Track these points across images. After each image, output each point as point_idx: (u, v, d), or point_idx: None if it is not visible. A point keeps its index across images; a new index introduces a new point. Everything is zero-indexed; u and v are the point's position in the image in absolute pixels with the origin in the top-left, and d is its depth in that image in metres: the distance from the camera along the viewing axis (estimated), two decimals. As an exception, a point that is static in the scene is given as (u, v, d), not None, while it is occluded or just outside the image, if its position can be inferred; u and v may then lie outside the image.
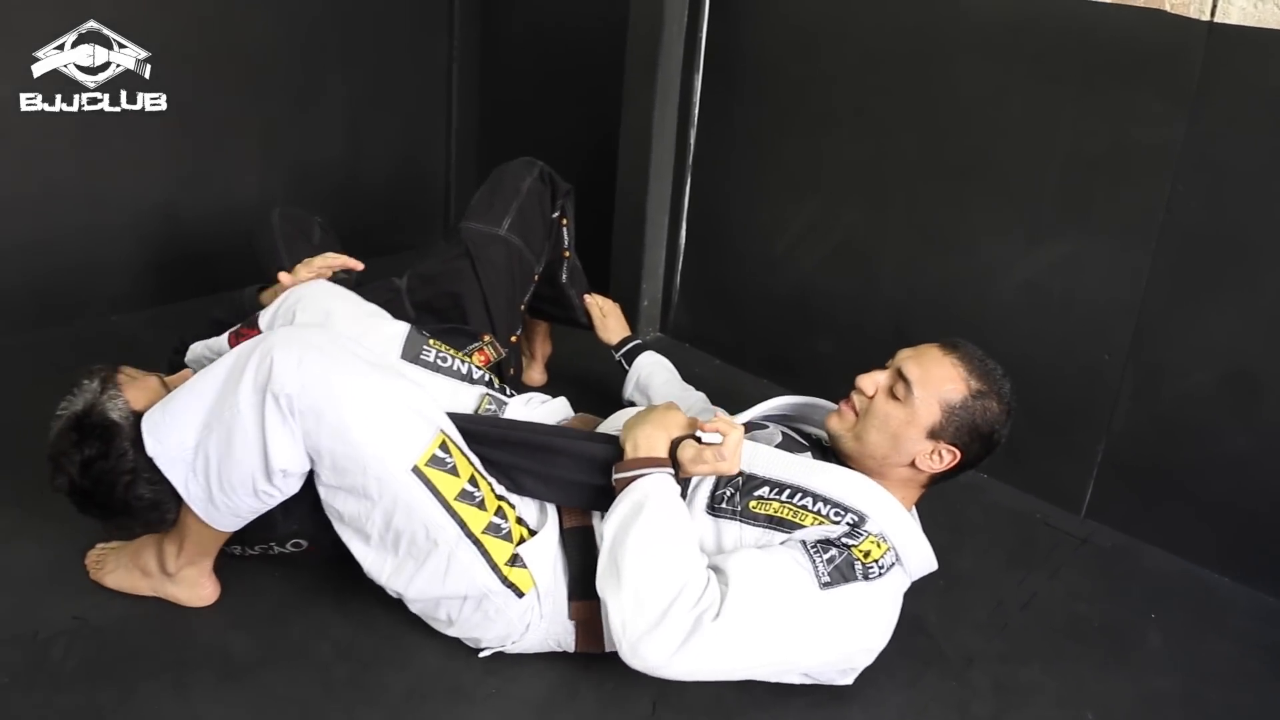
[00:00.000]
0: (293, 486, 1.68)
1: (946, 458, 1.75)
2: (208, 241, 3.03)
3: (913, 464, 1.76)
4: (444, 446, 1.68)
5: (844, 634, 1.64)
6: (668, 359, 2.46)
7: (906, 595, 1.78)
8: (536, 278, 2.42)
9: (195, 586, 1.83)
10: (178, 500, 1.71)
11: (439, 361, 2.06)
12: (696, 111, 2.90)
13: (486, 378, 2.12)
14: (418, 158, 3.63)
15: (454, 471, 1.67)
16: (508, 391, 2.17)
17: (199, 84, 2.93)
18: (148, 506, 1.72)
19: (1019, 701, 1.83)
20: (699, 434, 1.71)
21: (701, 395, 2.32)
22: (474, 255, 2.27)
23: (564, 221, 2.45)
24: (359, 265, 2.18)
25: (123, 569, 1.86)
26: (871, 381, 1.79)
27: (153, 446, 1.65)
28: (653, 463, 1.69)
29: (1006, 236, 2.40)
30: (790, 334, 2.85)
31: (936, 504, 2.09)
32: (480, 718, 1.68)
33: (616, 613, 1.57)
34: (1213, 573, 2.24)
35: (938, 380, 1.74)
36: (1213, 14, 2.06)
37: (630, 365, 2.44)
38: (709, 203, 2.97)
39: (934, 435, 1.74)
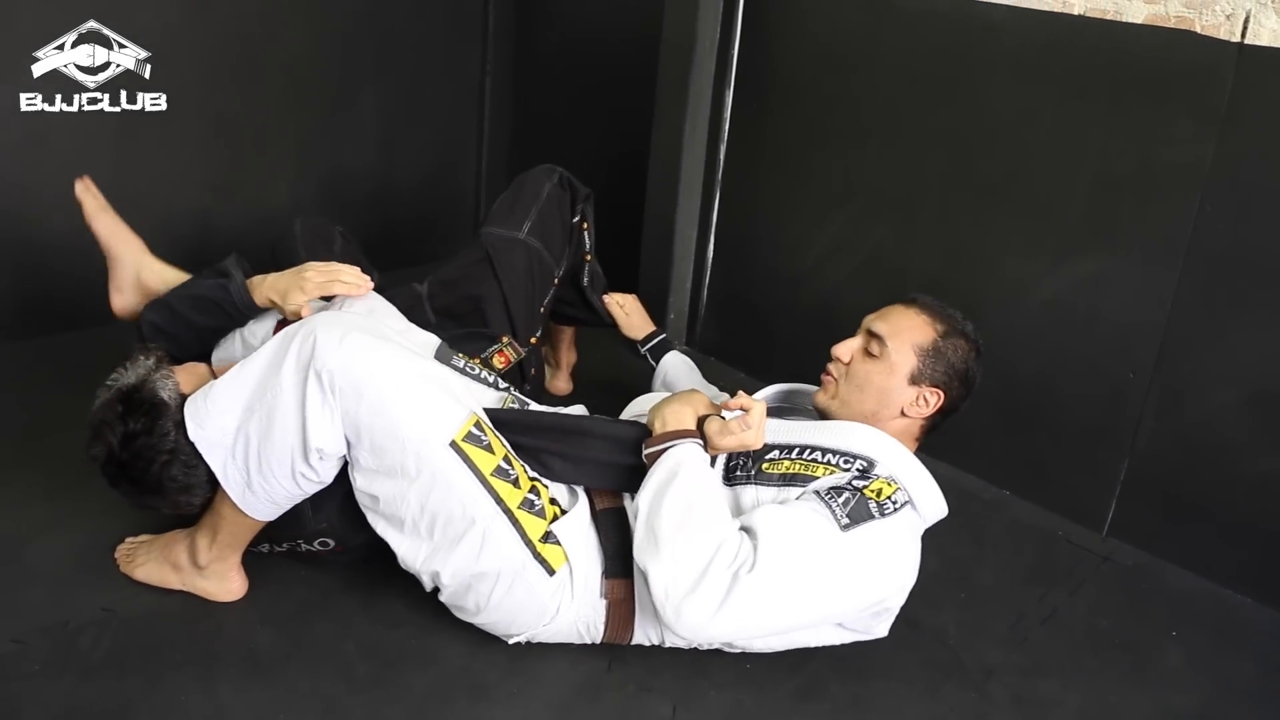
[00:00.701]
0: (329, 471, 1.71)
1: (932, 400, 1.86)
2: (239, 248, 3.04)
3: (902, 413, 1.85)
4: (479, 425, 1.72)
5: (872, 572, 1.67)
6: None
7: (928, 607, 1.80)
8: (556, 281, 2.44)
9: (224, 580, 1.86)
10: (210, 486, 1.74)
11: (468, 369, 2.09)
12: (727, 127, 2.92)
13: (507, 386, 2.14)
14: (449, 168, 3.67)
15: (489, 449, 1.71)
16: (528, 390, 2.20)
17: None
18: (179, 489, 1.74)
19: (1038, 714, 1.83)
20: (724, 412, 1.79)
21: (727, 396, 2.34)
22: (494, 259, 2.30)
23: (585, 226, 2.47)
24: (366, 287, 1.99)
25: (153, 562, 1.88)
26: (846, 348, 1.92)
27: (194, 431, 1.69)
28: (681, 434, 1.74)
29: (1033, 254, 2.41)
30: (817, 348, 2.82)
31: (959, 519, 2.10)
32: (502, 717, 1.69)
33: (658, 579, 1.60)
34: (1234, 593, 2.23)
35: (906, 329, 1.87)
36: (1243, 35, 2.07)
37: (656, 361, 2.49)
38: (737, 217, 2.99)
39: (915, 380, 1.85)
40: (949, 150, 2.51)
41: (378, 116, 3.37)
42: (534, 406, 2.08)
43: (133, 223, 2.88)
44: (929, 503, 1.76)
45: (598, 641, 1.80)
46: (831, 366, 1.93)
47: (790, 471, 1.74)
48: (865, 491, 1.67)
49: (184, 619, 1.81)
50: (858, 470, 1.72)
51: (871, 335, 1.88)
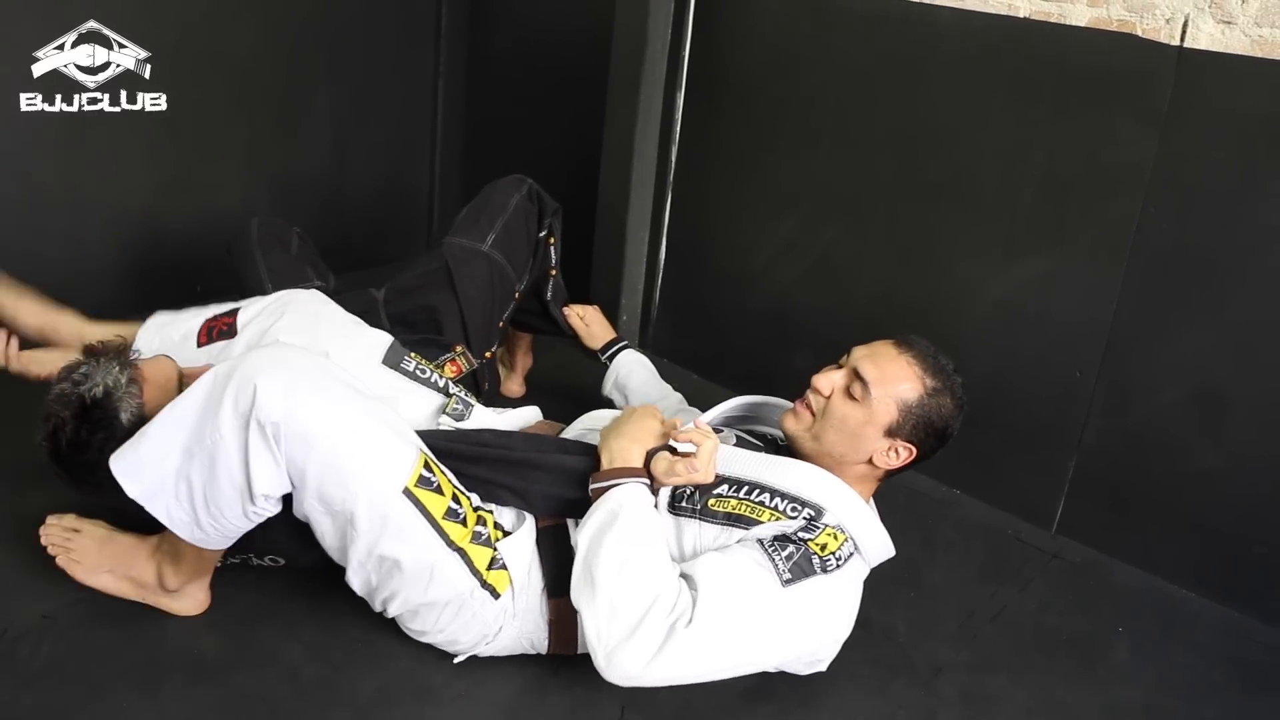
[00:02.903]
0: (277, 506, 1.66)
1: (903, 454, 1.79)
2: (189, 250, 3.04)
3: (870, 461, 1.79)
4: (428, 466, 1.68)
5: (809, 628, 1.67)
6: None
7: (878, 606, 1.81)
8: (518, 294, 2.43)
9: (193, 599, 1.83)
10: None
11: (418, 372, 2.08)
12: (678, 129, 2.92)
13: (445, 386, 2.13)
14: (402, 172, 3.64)
15: (439, 490, 1.67)
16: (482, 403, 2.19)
17: (187, 92, 2.94)
18: (118, 496, 1.70)
19: (986, 710, 1.84)
20: (673, 443, 1.73)
21: (679, 396, 2.36)
22: (453, 270, 2.28)
23: (551, 240, 2.45)
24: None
25: (105, 573, 1.82)
26: (828, 382, 1.81)
27: (131, 487, 1.61)
28: (627, 473, 1.70)
29: (982, 255, 2.43)
30: (768, 349, 2.87)
31: (909, 518, 2.13)
32: (448, 719, 1.69)
33: (591, 623, 1.58)
34: (1180, 588, 2.26)
35: (894, 379, 1.77)
36: (1182, 39, 2.10)
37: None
38: (689, 219, 2.99)
39: (891, 434, 1.77)
40: (898, 152, 2.53)
41: (330, 120, 3.35)
42: (479, 409, 2.06)
43: (111, 228, 2.89)
44: (875, 549, 1.75)
45: (543, 653, 1.79)
46: (810, 396, 1.84)
47: (736, 512, 1.70)
48: (810, 545, 1.65)
49: (126, 626, 1.78)
50: (805, 519, 1.68)
51: (856, 376, 1.79)
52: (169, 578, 1.79)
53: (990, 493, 2.51)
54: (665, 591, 1.58)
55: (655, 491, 1.73)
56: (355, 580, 1.71)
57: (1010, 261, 2.39)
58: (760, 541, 1.66)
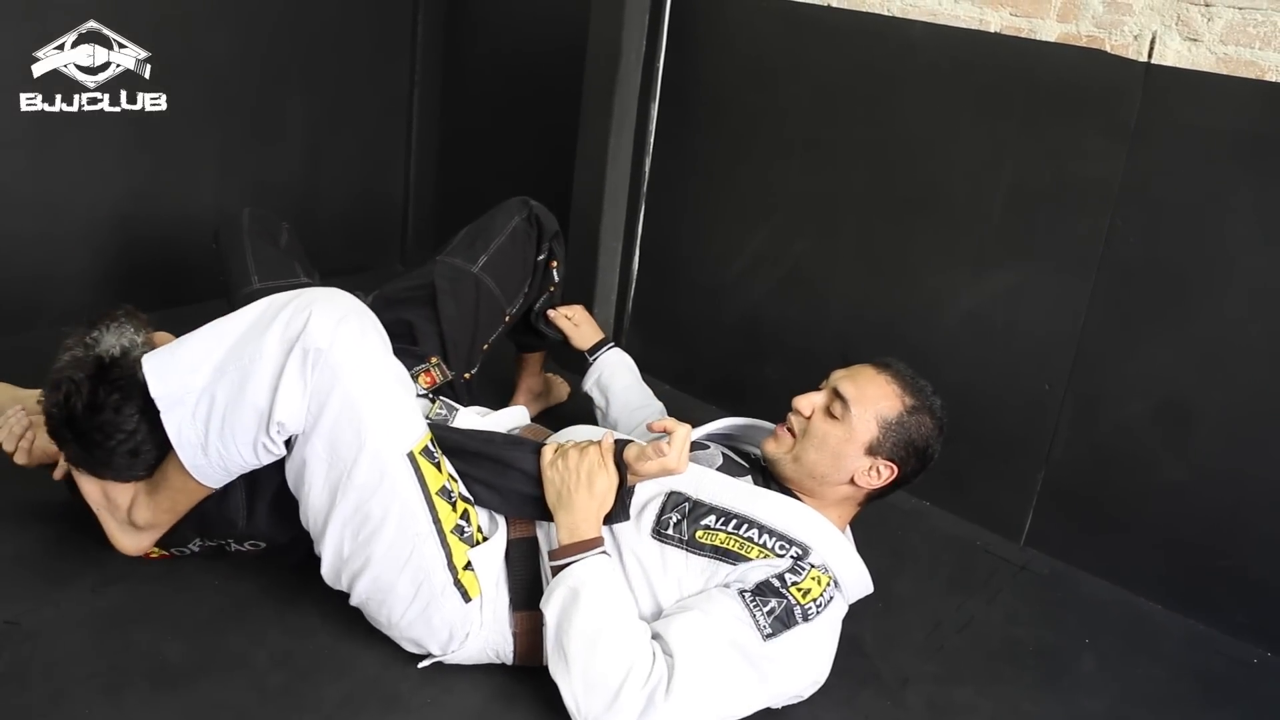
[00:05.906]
0: (282, 450, 1.66)
1: (885, 473, 1.80)
2: (162, 255, 3.02)
3: (852, 481, 1.81)
4: (434, 441, 1.71)
5: (790, 677, 1.70)
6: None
7: (846, 617, 1.81)
8: (508, 318, 2.40)
9: (138, 539, 1.82)
10: (148, 470, 1.72)
11: None
12: (652, 140, 2.93)
13: (427, 393, 2.13)
14: (376, 181, 3.63)
15: (438, 467, 1.69)
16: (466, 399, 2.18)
17: (176, 96, 2.95)
18: (123, 466, 1.72)
19: (952, 721, 1.85)
20: (648, 428, 1.76)
21: (660, 406, 2.36)
22: (438, 289, 2.25)
23: (553, 264, 2.41)
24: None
25: (88, 476, 1.79)
26: (809, 402, 1.84)
27: (155, 386, 1.61)
28: (584, 546, 1.70)
29: (952, 267, 2.45)
30: (740, 360, 2.88)
31: (878, 530, 2.13)
32: (415, 727, 1.68)
33: (569, 696, 1.61)
34: (1147, 600, 2.28)
35: (873, 397, 1.80)
36: (1150, 55, 2.13)
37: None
38: (662, 230, 2.99)
39: (872, 451, 1.79)
40: (870, 164, 2.55)
41: (304, 128, 3.34)
42: (464, 411, 2.06)
43: (84, 233, 2.87)
44: (855, 586, 1.79)
45: (509, 664, 1.79)
46: (792, 418, 1.86)
47: (724, 546, 1.72)
48: (793, 592, 1.67)
49: (91, 631, 1.77)
50: (792, 558, 1.71)
51: (836, 395, 1.82)
52: (138, 509, 1.78)
53: (959, 504, 2.53)
54: (638, 661, 1.60)
55: (630, 490, 1.74)
56: (328, 549, 1.70)
57: (980, 274, 2.41)
58: (743, 594, 1.67)
